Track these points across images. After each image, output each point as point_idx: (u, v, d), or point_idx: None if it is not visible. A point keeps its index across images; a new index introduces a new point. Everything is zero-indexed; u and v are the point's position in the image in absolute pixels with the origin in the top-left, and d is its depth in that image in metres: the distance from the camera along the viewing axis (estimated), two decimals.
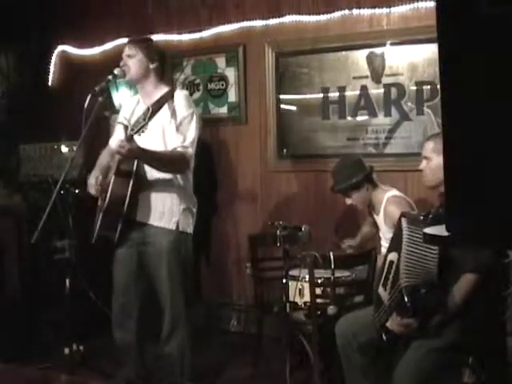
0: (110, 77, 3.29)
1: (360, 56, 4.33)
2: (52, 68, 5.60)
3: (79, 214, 4.03)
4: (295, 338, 3.55)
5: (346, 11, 4.32)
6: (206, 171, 4.70)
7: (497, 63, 1.04)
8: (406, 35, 4.13)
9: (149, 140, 3.22)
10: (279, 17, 4.58)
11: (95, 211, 3.38)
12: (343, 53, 4.39)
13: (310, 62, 4.54)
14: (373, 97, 4.31)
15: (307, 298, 3.43)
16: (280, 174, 4.71)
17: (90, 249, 3.39)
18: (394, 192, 3.49)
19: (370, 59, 4.30)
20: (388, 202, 3.42)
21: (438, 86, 3.17)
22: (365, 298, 3.45)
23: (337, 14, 4.37)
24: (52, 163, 4.83)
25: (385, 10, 4.21)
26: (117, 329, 3.45)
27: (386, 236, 3.38)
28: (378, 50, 4.26)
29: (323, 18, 4.42)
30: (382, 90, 4.27)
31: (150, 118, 3.20)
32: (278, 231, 3.41)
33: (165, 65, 3.53)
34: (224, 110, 4.93)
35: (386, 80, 4.26)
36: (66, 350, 3.67)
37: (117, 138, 3.42)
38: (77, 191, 4.06)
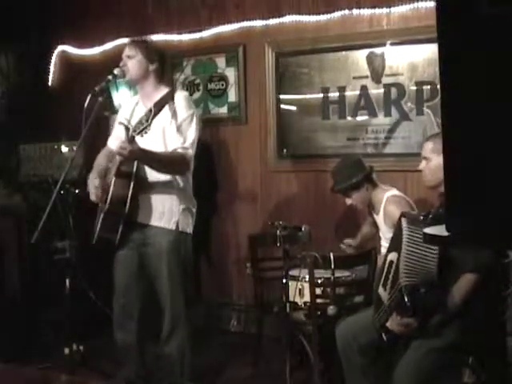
0: (109, 77, 3.30)
1: (360, 56, 4.33)
2: (52, 68, 5.60)
3: (79, 214, 4.03)
4: (295, 337, 3.55)
5: (346, 11, 4.32)
6: (205, 171, 4.71)
7: (497, 63, 1.04)
8: (406, 35, 4.13)
9: (150, 141, 3.23)
10: (279, 17, 4.58)
11: (95, 211, 3.38)
12: (343, 53, 4.39)
13: (310, 62, 4.54)
14: (373, 97, 4.31)
15: (307, 298, 3.43)
16: (280, 173, 4.71)
17: (90, 249, 3.39)
18: (394, 192, 3.49)
19: (370, 59, 4.30)
20: (388, 201, 3.42)
21: (438, 86, 3.17)
22: (365, 298, 3.45)
23: (337, 14, 4.37)
24: (52, 163, 4.83)
25: (385, 10, 4.21)
26: (118, 329, 3.46)
27: (385, 236, 3.38)
28: (377, 50, 4.26)
29: (323, 17, 4.42)
30: (381, 90, 4.27)
31: (152, 119, 3.20)
32: (278, 231, 3.41)
33: (165, 66, 3.54)
34: (224, 109, 4.93)
35: (385, 80, 4.26)
36: (66, 350, 3.67)
37: (116, 139, 3.43)
38: (77, 191, 4.06)
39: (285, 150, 4.67)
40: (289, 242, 3.46)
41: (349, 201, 3.54)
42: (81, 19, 5.31)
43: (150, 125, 3.13)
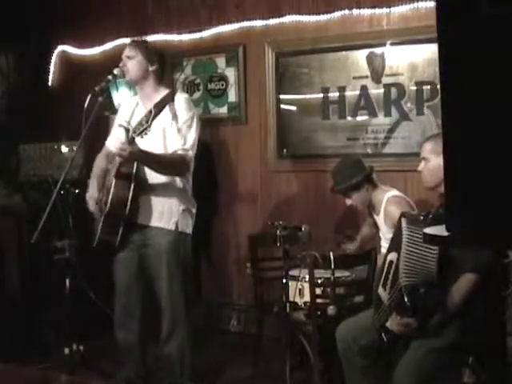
0: (109, 77, 3.30)
1: (360, 56, 4.33)
2: (52, 68, 5.60)
3: (79, 213, 4.03)
4: (295, 337, 3.55)
5: (346, 11, 4.32)
6: (205, 171, 4.71)
7: (497, 63, 1.04)
8: (406, 35, 4.13)
9: (150, 142, 3.23)
10: (279, 17, 4.58)
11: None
12: (343, 53, 4.39)
13: (310, 62, 4.54)
14: (373, 97, 4.31)
15: (307, 297, 3.43)
16: (280, 173, 4.71)
17: (90, 249, 3.39)
18: (394, 192, 3.49)
19: (370, 59, 4.30)
20: (388, 202, 3.41)
21: (438, 86, 3.17)
22: (365, 298, 3.45)
23: (337, 14, 4.36)
24: (52, 163, 4.83)
25: (385, 10, 4.21)
26: (119, 330, 3.46)
27: (386, 236, 3.38)
28: (377, 50, 4.26)
29: (323, 17, 4.42)
30: (381, 90, 4.27)
31: (152, 120, 3.20)
32: (278, 231, 3.41)
33: (164, 67, 3.53)
34: (224, 109, 4.93)
35: (386, 80, 4.26)
36: (66, 350, 3.66)
37: (115, 140, 3.43)
38: (77, 191, 4.06)
39: (285, 150, 4.67)
40: (289, 242, 3.46)
41: (349, 201, 3.54)
42: (81, 19, 5.31)
43: (150, 126, 3.13)
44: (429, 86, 4.09)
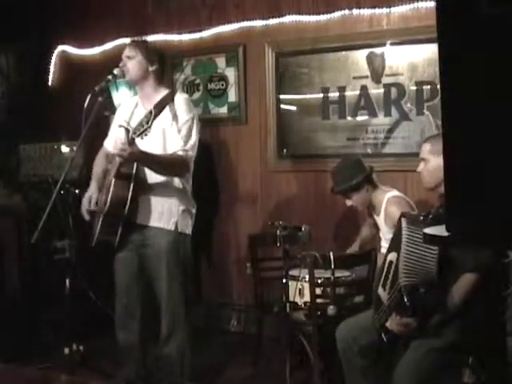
0: (109, 77, 3.30)
1: (360, 56, 4.33)
2: (52, 68, 5.60)
3: (79, 214, 4.03)
4: (295, 337, 3.55)
5: (346, 11, 4.32)
6: (205, 171, 4.71)
7: (497, 63, 1.04)
8: (406, 35, 4.13)
9: (150, 143, 3.23)
10: (279, 17, 4.58)
11: (95, 212, 3.39)
12: (343, 53, 4.39)
13: (310, 62, 4.54)
14: (373, 97, 4.31)
15: (307, 298, 3.43)
16: (280, 174, 4.71)
17: (90, 249, 3.39)
18: (394, 192, 3.49)
19: (370, 59, 4.30)
20: (388, 202, 3.41)
21: (438, 86, 3.17)
22: (365, 298, 3.45)
23: (337, 14, 4.36)
24: (52, 163, 4.83)
25: (385, 10, 4.21)
26: (120, 330, 3.46)
27: (386, 237, 3.38)
28: (377, 50, 4.26)
29: (323, 17, 4.42)
30: (381, 90, 4.27)
31: (153, 121, 3.20)
32: (278, 231, 3.41)
33: (164, 67, 3.53)
34: (224, 109, 4.93)
35: (385, 80, 4.25)
36: (66, 350, 3.66)
37: (113, 140, 3.44)
38: (77, 191, 4.06)
39: (285, 150, 4.67)
40: (289, 242, 3.46)
41: (349, 202, 3.54)
42: (81, 19, 5.31)
43: (150, 127, 3.13)
44: (429, 86, 4.09)
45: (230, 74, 4.86)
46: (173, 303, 3.37)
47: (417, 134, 4.13)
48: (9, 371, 2.25)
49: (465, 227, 1.13)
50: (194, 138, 3.31)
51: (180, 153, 3.25)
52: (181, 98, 3.36)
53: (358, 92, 4.35)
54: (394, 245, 2.75)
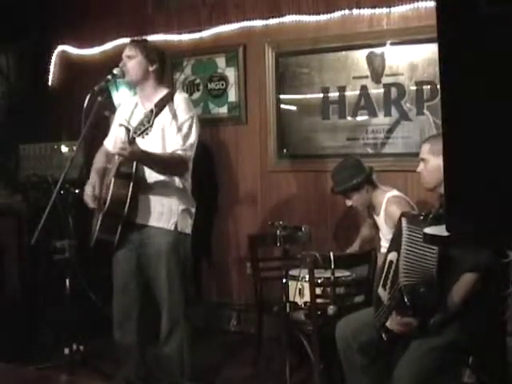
0: (109, 76, 3.30)
1: (360, 56, 4.32)
2: (52, 68, 5.60)
3: (79, 214, 4.03)
4: (295, 337, 3.55)
5: (346, 11, 4.32)
6: (205, 171, 4.71)
7: (497, 63, 1.04)
8: (406, 35, 4.13)
9: (150, 142, 3.23)
10: (279, 17, 4.58)
11: (94, 212, 3.39)
12: (343, 53, 4.39)
13: (310, 62, 4.54)
14: (373, 97, 4.30)
15: (307, 298, 3.43)
16: (280, 174, 4.70)
17: (90, 249, 3.39)
18: (394, 192, 3.49)
19: (370, 59, 4.29)
20: (389, 202, 3.42)
21: (438, 86, 3.17)
22: (365, 298, 3.45)
23: (337, 14, 4.36)
24: (52, 163, 4.83)
25: (385, 10, 4.21)
26: (117, 329, 3.46)
27: (386, 237, 3.38)
28: (377, 50, 4.26)
29: (323, 17, 4.42)
30: (381, 90, 4.27)
31: (154, 120, 3.20)
32: (278, 231, 3.42)
33: (164, 66, 3.53)
34: (224, 110, 4.93)
35: (385, 80, 4.25)
36: (66, 350, 3.66)
37: (113, 140, 3.44)
38: (77, 191, 4.06)
39: (285, 150, 4.67)
40: (289, 242, 3.46)
41: (349, 202, 3.54)
42: (81, 19, 5.31)
43: (151, 126, 3.13)
44: (429, 86, 4.08)
45: (230, 73, 4.86)
46: (172, 303, 3.36)
47: (417, 134, 4.13)
48: (9, 371, 2.25)
49: (465, 227, 1.13)
50: (194, 137, 3.31)
51: (179, 152, 3.25)
52: (180, 98, 3.36)
53: (357, 92, 4.35)
54: (395, 244, 2.75)
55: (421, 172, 3.01)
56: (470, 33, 1.06)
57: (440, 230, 1.22)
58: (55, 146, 4.85)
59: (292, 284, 3.51)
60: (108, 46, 5.25)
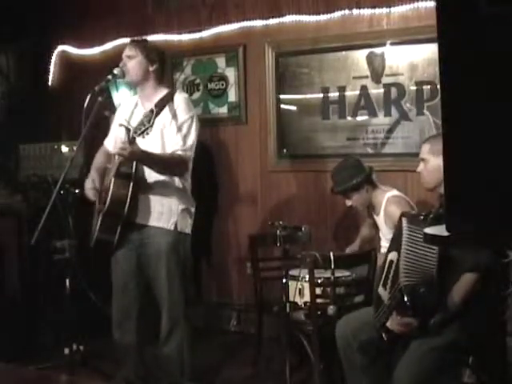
0: (109, 76, 3.30)
1: (360, 56, 4.32)
2: (52, 68, 5.60)
3: (79, 214, 4.03)
4: (295, 337, 3.55)
5: (346, 11, 4.32)
6: (205, 171, 4.71)
7: (497, 63, 1.04)
8: (406, 35, 4.13)
9: (150, 142, 3.23)
10: (279, 17, 4.57)
11: (94, 211, 3.39)
12: (343, 53, 4.39)
13: (310, 62, 4.54)
14: (373, 97, 4.30)
15: (307, 298, 3.43)
16: (280, 173, 4.71)
17: (90, 249, 3.39)
18: (394, 192, 3.50)
19: (370, 59, 4.29)
20: (388, 202, 3.42)
21: (438, 86, 3.17)
22: (365, 297, 3.45)
23: (337, 14, 4.36)
24: (52, 163, 4.83)
25: (385, 10, 4.21)
26: (116, 329, 3.46)
27: (386, 237, 3.38)
28: (377, 50, 4.26)
29: (323, 17, 4.42)
30: (381, 90, 4.27)
31: (154, 120, 3.20)
32: (278, 231, 3.42)
33: (165, 66, 3.53)
34: (224, 110, 4.93)
35: (385, 80, 4.25)
36: (66, 350, 3.66)
37: (114, 140, 3.43)
38: (77, 191, 4.06)
39: (285, 150, 4.67)
40: (289, 242, 3.46)
41: (349, 202, 3.54)
42: (81, 19, 5.31)
43: (152, 125, 3.13)
44: (429, 86, 4.08)
45: (230, 73, 4.86)
46: (172, 303, 3.36)
47: (416, 134, 4.13)
48: (9, 371, 2.25)
49: (465, 227, 1.13)
50: (193, 137, 3.31)
51: (179, 152, 3.25)
52: (180, 98, 3.36)
53: (357, 92, 4.35)
54: (395, 244, 2.75)
55: (421, 172, 3.01)
56: (470, 33, 1.06)
57: (440, 230, 1.22)
58: (55, 146, 4.85)
59: (292, 284, 3.51)
60: (108, 45, 5.25)
